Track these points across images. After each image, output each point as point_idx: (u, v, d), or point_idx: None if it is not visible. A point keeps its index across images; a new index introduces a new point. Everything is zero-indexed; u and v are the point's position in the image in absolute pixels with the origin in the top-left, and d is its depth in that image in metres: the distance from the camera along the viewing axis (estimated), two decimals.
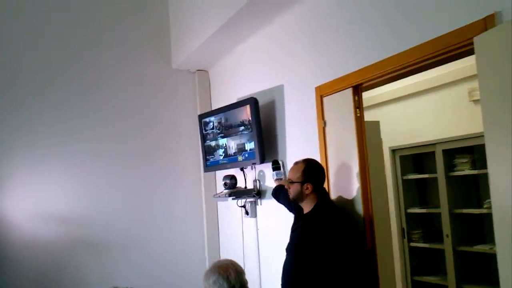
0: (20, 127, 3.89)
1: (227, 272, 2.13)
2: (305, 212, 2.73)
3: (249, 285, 3.81)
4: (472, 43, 2.01)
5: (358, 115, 2.74)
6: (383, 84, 2.82)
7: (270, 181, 3.62)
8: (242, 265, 3.89)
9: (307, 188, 2.65)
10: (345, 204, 2.82)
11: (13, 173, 3.84)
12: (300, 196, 2.70)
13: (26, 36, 3.99)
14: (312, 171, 2.68)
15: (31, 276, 3.81)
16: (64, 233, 3.95)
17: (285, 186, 2.83)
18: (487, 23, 1.95)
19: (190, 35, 4.13)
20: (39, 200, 3.90)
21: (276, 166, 3.44)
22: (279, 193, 3.26)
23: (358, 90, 2.76)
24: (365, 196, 2.70)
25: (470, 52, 2.07)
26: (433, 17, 2.25)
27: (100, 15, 4.31)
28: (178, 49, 4.46)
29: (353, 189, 2.77)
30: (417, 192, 4.70)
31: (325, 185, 2.86)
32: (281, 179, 3.40)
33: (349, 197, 2.81)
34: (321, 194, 2.71)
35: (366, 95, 2.85)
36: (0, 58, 3.88)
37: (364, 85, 2.75)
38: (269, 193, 3.63)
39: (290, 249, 2.75)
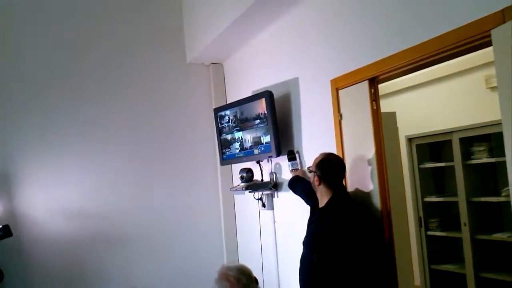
0: (36, 125, 3.94)
1: None
2: (320, 206, 2.75)
3: (266, 277, 3.87)
4: (489, 35, 1.99)
5: (375, 108, 2.73)
6: (399, 77, 2.81)
7: (287, 174, 3.63)
8: (259, 257, 3.95)
9: (316, 180, 2.71)
10: (362, 197, 2.82)
11: (31, 170, 3.89)
12: (313, 186, 2.80)
13: (42, 32, 4.02)
14: (323, 166, 2.71)
15: (53, 271, 3.88)
16: (84, 228, 4.02)
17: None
18: (505, 15, 1.92)
19: (204, 28, 4.13)
20: (58, 196, 3.96)
21: (291, 157, 3.45)
22: (296, 185, 3.28)
23: (374, 83, 2.75)
24: (383, 189, 2.70)
25: (488, 44, 2.05)
26: (450, 8, 2.22)
27: (114, 11, 4.32)
28: (192, 42, 4.46)
29: (370, 182, 2.77)
30: (433, 180, 4.68)
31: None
32: (297, 169, 3.42)
33: (366, 190, 2.81)
34: (337, 188, 2.72)
35: (380, 84, 2.83)
36: (15, 56, 3.93)
37: (380, 77, 2.73)
38: (285, 186, 3.64)
39: (307, 243, 2.77)
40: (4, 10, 3.90)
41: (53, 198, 3.95)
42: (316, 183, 2.73)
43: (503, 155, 1.97)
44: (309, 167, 2.85)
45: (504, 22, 1.92)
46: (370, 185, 2.78)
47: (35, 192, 3.89)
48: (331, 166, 2.71)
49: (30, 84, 3.95)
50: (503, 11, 1.94)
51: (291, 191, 3.39)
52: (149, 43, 4.46)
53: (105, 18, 4.28)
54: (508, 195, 3.64)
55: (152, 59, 4.46)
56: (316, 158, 2.78)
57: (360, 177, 2.87)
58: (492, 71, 4.14)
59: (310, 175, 2.82)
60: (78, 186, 4.04)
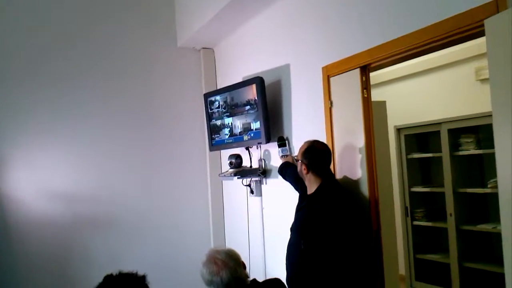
0: (25, 106, 3.88)
1: (219, 273, 2.12)
2: (309, 193, 2.76)
3: (253, 262, 3.88)
4: (482, 25, 1.99)
5: (366, 96, 2.73)
6: (391, 65, 2.80)
7: (276, 161, 3.63)
8: (246, 243, 3.96)
9: (304, 169, 2.71)
10: (350, 185, 2.83)
11: (19, 151, 3.85)
12: (301, 175, 2.79)
13: (34, 15, 3.96)
14: (309, 154, 2.70)
15: (39, 253, 3.86)
16: (71, 211, 3.99)
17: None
18: (499, 5, 1.92)
19: (196, 12, 4.09)
20: (46, 178, 3.93)
21: (281, 143, 3.45)
22: (285, 171, 3.27)
23: (365, 71, 2.74)
24: (371, 178, 2.71)
25: (481, 34, 2.05)
26: None
27: None
28: (183, 27, 4.41)
29: (359, 170, 2.78)
30: (420, 171, 4.72)
31: (331, 166, 2.87)
32: (287, 155, 3.41)
33: (354, 178, 2.82)
34: (326, 176, 2.72)
35: (371, 73, 2.83)
36: (6, 36, 3.86)
37: (372, 65, 2.73)
38: (274, 173, 3.65)
39: (295, 229, 2.78)
40: None
41: (40, 180, 3.91)
42: (304, 171, 2.73)
43: (491, 147, 1.98)
44: (295, 156, 2.84)
45: (497, 12, 1.92)
46: (358, 173, 2.79)
47: (22, 174, 3.85)
48: (317, 154, 2.71)
49: (20, 65, 3.89)
50: (496, 1, 1.94)
51: (279, 178, 3.40)
52: (139, 26, 4.40)
53: (96, 1, 4.22)
54: (494, 187, 3.68)
55: (142, 42, 4.41)
56: (301, 147, 2.77)
57: (349, 164, 2.87)
58: (482, 63, 4.18)
59: (297, 164, 2.82)
60: (65, 169, 4.01)
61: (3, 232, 3.74)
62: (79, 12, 4.14)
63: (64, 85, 4.03)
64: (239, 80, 3.94)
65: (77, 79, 4.09)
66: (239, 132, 3.78)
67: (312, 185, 2.73)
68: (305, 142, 2.78)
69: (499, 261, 2.00)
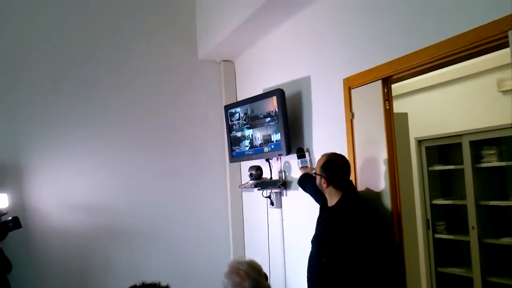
0: (48, 118, 3.97)
1: (241, 284, 2.12)
2: (329, 205, 2.75)
3: (273, 274, 3.86)
4: (506, 37, 1.98)
5: (387, 107, 2.72)
6: (413, 77, 2.79)
7: (296, 172, 3.63)
8: (267, 256, 3.95)
9: (324, 182, 2.70)
10: (371, 197, 2.81)
11: (41, 163, 3.93)
12: (321, 188, 2.78)
13: (56, 25, 4.08)
14: (328, 168, 2.70)
15: (61, 263, 3.93)
16: (92, 222, 4.04)
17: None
18: None
19: (217, 26, 4.13)
20: (67, 189, 4.00)
21: (301, 154, 3.45)
22: (305, 182, 3.26)
23: (387, 83, 2.73)
24: (394, 190, 2.68)
25: (504, 45, 2.04)
26: (467, 9, 2.21)
27: (127, 6, 4.35)
28: (204, 39, 4.46)
29: (381, 182, 2.76)
30: (440, 183, 4.66)
31: (352, 178, 2.85)
32: (306, 167, 3.41)
33: (376, 190, 2.80)
34: (347, 188, 2.71)
35: (394, 83, 2.82)
36: (30, 48, 3.96)
37: (393, 77, 2.72)
38: (294, 184, 3.64)
39: (315, 241, 2.77)
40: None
41: (62, 191, 3.97)
42: (324, 185, 2.72)
43: None
44: (314, 169, 2.84)
45: None
46: (380, 186, 2.77)
47: (44, 185, 3.92)
48: (336, 167, 2.70)
49: (44, 77, 3.99)
50: None
51: (300, 190, 3.40)
52: (161, 39, 4.47)
53: (118, 13, 4.31)
54: None
55: (164, 55, 4.47)
56: (319, 160, 2.77)
57: (371, 177, 2.86)
58: (504, 74, 4.13)
59: (316, 178, 2.80)
60: (87, 180, 4.07)
61: (25, 243, 3.80)
62: (102, 25, 4.23)
63: (85, 98, 4.11)
64: (260, 92, 3.96)
65: (98, 91, 4.17)
66: (260, 144, 3.79)
67: (332, 198, 2.72)
68: (323, 156, 2.77)
69: None
